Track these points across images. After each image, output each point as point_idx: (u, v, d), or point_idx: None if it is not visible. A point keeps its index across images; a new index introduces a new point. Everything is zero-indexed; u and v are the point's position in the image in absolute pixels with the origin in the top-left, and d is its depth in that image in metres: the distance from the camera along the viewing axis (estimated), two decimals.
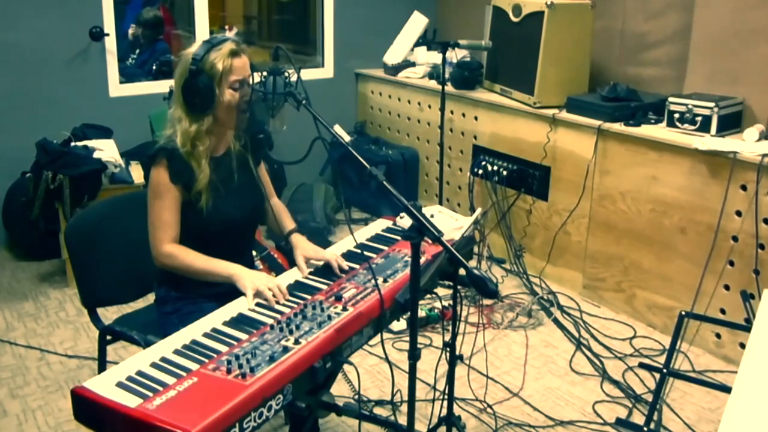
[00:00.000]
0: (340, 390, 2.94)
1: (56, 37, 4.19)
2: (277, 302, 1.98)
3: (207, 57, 2.11)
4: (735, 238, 3.17)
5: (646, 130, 3.49)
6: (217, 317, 1.91)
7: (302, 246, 2.29)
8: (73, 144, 3.86)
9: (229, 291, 2.08)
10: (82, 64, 4.32)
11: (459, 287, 2.42)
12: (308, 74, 5.09)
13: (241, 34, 5.40)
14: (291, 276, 2.17)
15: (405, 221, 2.50)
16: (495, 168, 4.20)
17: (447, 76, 4.14)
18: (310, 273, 2.19)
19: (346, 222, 4.86)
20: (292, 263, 2.28)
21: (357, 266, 2.22)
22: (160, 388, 1.57)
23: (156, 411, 1.48)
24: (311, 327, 1.83)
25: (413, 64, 5.00)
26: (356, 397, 2.88)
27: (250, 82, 2.15)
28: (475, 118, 4.39)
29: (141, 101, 4.43)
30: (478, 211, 2.50)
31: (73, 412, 1.60)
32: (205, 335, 1.82)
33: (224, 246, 2.21)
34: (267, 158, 2.42)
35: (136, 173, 4.02)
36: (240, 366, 1.64)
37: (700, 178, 3.26)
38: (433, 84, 4.69)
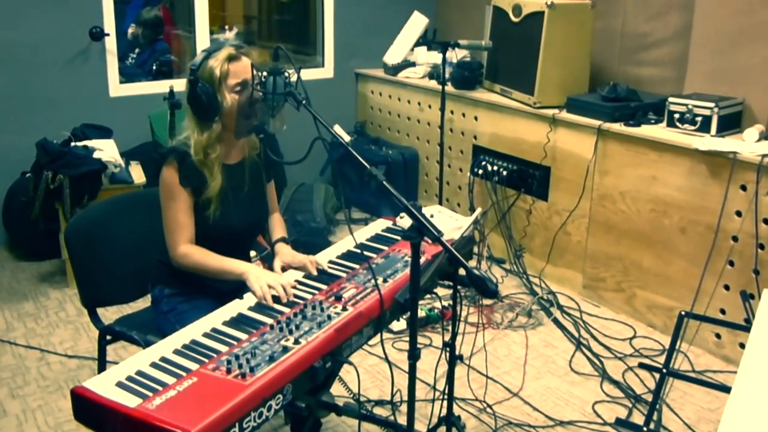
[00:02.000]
0: (340, 390, 2.94)
1: (56, 37, 4.20)
2: (276, 302, 1.99)
3: (205, 65, 2.14)
4: (735, 238, 3.17)
5: (646, 131, 3.49)
6: (217, 317, 1.91)
7: (282, 252, 2.31)
8: (73, 144, 3.86)
9: (227, 291, 2.09)
10: (82, 64, 4.32)
11: (459, 287, 2.42)
12: (308, 74, 5.09)
13: (240, 35, 5.40)
14: (290, 276, 2.17)
15: (405, 221, 2.50)
16: (495, 168, 4.20)
17: (447, 76, 4.14)
18: (307, 275, 2.19)
19: (346, 222, 4.86)
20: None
21: (357, 266, 2.22)
22: (160, 388, 1.57)
23: (156, 411, 1.48)
24: (311, 327, 1.83)
25: (413, 64, 5.00)
26: (356, 397, 2.87)
27: (253, 83, 2.15)
28: (475, 118, 4.39)
29: (141, 101, 4.43)
30: (478, 211, 2.50)
31: (73, 412, 1.60)
32: (205, 335, 1.82)
33: (224, 249, 2.22)
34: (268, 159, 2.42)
35: (136, 173, 4.02)
36: (240, 366, 1.64)
37: (700, 179, 3.26)
38: (433, 84, 4.69)
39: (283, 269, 2.23)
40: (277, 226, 2.45)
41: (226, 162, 2.25)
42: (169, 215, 2.17)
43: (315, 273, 2.18)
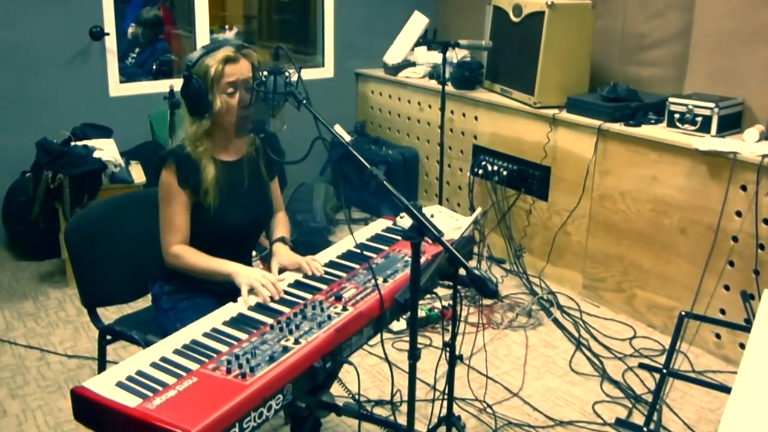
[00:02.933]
0: (340, 390, 2.94)
1: (56, 36, 4.19)
2: (273, 300, 1.98)
3: (201, 62, 2.14)
4: (735, 239, 3.17)
5: (647, 131, 3.49)
6: (217, 317, 1.91)
7: (280, 253, 2.29)
8: (73, 143, 3.86)
9: (227, 290, 2.09)
10: (82, 63, 4.32)
11: (459, 287, 2.42)
12: (308, 74, 5.09)
13: (241, 34, 5.40)
14: (291, 276, 2.17)
15: (405, 221, 2.50)
16: (495, 168, 4.20)
17: (447, 76, 4.14)
18: (306, 276, 2.19)
19: (346, 222, 4.86)
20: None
21: (357, 266, 2.22)
22: (160, 388, 1.57)
23: (156, 411, 1.48)
24: (311, 327, 1.83)
25: (413, 64, 5.00)
26: (356, 397, 2.87)
27: (251, 85, 2.14)
28: (476, 118, 4.38)
29: (141, 101, 4.43)
30: (478, 210, 2.50)
31: (73, 412, 1.60)
32: (205, 335, 1.82)
33: (226, 248, 2.23)
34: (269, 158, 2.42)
35: (136, 173, 4.02)
36: (240, 366, 1.64)
37: (700, 179, 3.26)
38: (433, 84, 4.69)
39: (280, 271, 2.23)
40: (280, 225, 2.44)
41: (224, 159, 2.25)
42: (165, 216, 2.19)
43: (311, 273, 2.17)
